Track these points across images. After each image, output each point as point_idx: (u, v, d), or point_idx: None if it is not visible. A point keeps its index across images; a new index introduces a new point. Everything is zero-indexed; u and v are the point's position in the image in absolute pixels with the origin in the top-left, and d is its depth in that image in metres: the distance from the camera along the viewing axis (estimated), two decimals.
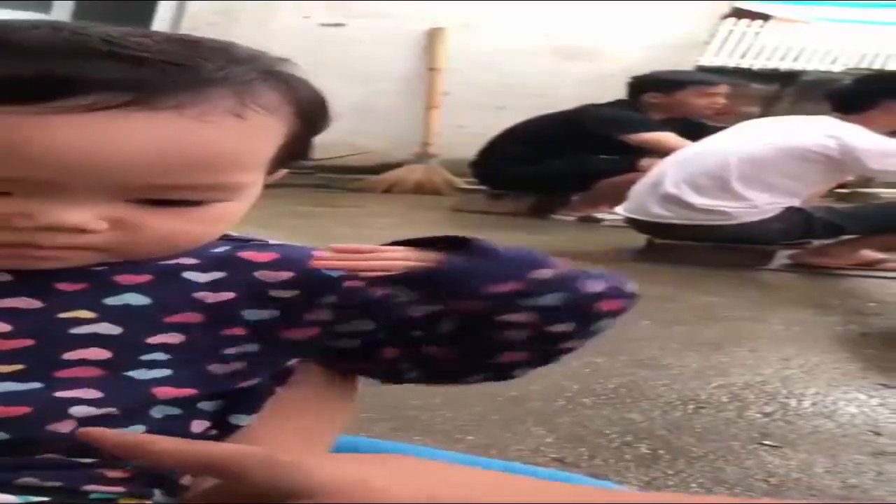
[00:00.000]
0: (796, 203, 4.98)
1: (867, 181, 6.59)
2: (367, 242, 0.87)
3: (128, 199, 0.77)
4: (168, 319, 0.83)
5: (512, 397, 2.89)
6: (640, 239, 5.32)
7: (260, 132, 0.80)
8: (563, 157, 6.38)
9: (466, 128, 7.61)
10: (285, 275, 0.87)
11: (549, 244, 5.47)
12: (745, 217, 4.92)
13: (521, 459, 2.50)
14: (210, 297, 0.85)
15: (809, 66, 9.79)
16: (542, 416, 2.76)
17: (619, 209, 5.48)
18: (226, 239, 0.90)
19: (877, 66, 9.53)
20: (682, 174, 5.05)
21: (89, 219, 0.76)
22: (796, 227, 4.97)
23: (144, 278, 0.83)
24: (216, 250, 0.87)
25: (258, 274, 0.87)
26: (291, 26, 7.61)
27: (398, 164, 7.88)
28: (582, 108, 6.63)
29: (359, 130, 7.95)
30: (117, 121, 0.73)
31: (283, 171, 0.89)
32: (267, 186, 0.89)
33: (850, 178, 5.87)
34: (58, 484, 0.79)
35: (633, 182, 5.39)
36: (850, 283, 4.84)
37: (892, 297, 4.54)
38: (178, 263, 0.85)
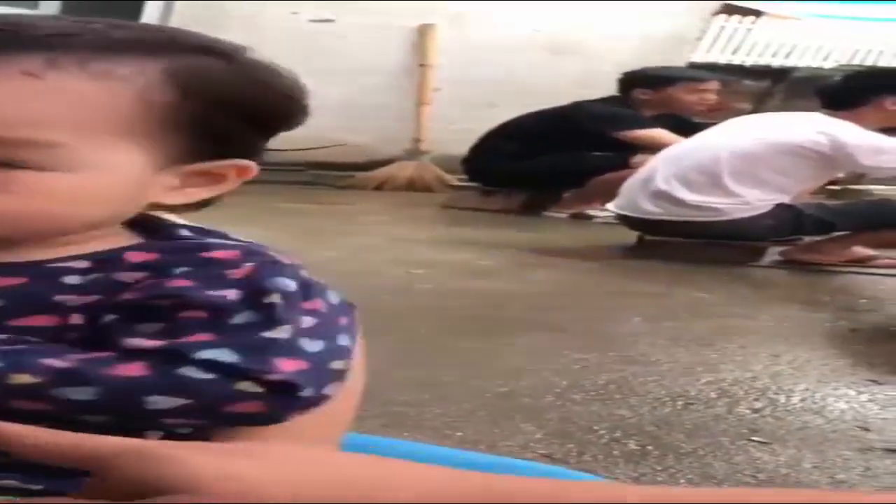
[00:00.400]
0: (787, 199, 4.99)
1: (858, 178, 6.60)
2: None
3: None
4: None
5: (501, 393, 2.89)
6: (631, 235, 5.32)
7: (65, 94, 0.77)
8: (556, 153, 6.38)
9: (457, 124, 7.60)
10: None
11: (540, 241, 5.49)
12: (736, 213, 4.92)
13: (510, 455, 2.50)
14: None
15: (801, 63, 9.79)
16: (530, 412, 2.76)
17: (611, 206, 5.48)
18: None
19: (868, 62, 9.52)
20: (673, 170, 5.05)
21: None
22: (787, 223, 4.98)
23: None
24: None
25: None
26: (280, 22, 7.59)
27: (389, 161, 7.87)
28: (574, 105, 6.62)
29: (348, 126, 7.95)
30: None
31: (226, 162, 0.86)
32: (250, 182, 0.87)
33: (841, 174, 5.88)
34: (40, 487, 0.78)
35: (625, 179, 5.39)
36: (841, 280, 4.85)
37: (883, 293, 4.55)
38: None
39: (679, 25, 8.72)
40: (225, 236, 0.90)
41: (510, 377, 3.04)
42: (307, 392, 0.78)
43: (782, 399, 3.00)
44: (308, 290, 0.83)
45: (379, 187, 7.66)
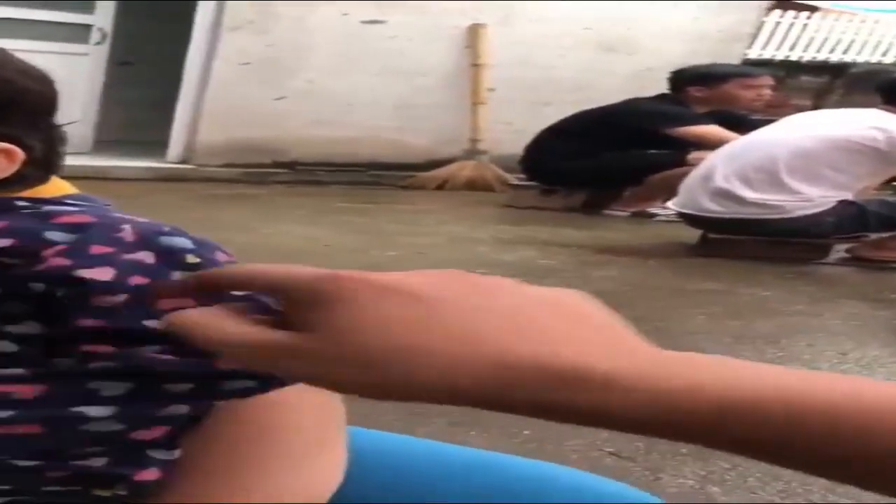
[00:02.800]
0: (848, 196, 4.94)
1: None
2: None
3: None
4: None
5: None
6: (693, 233, 5.29)
7: None
8: (610, 151, 6.36)
9: (513, 123, 7.61)
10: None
11: (601, 240, 5.47)
12: (798, 211, 4.88)
13: (577, 454, 2.50)
14: None
15: (860, 58, 9.68)
16: None
17: (671, 204, 5.45)
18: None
19: None
20: (732, 167, 5.02)
21: None
22: (850, 220, 4.92)
23: None
24: None
25: None
26: (330, 23, 7.65)
27: (448, 161, 7.89)
28: (625, 103, 6.61)
29: (404, 127, 8.00)
30: None
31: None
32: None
33: None
34: (7, 487, 0.83)
35: (683, 176, 5.36)
36: None
37: None
38: None
39: (732, 22, 8.66)
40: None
41: None
42: None
43: None
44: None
45: (440, 187, 7.68)
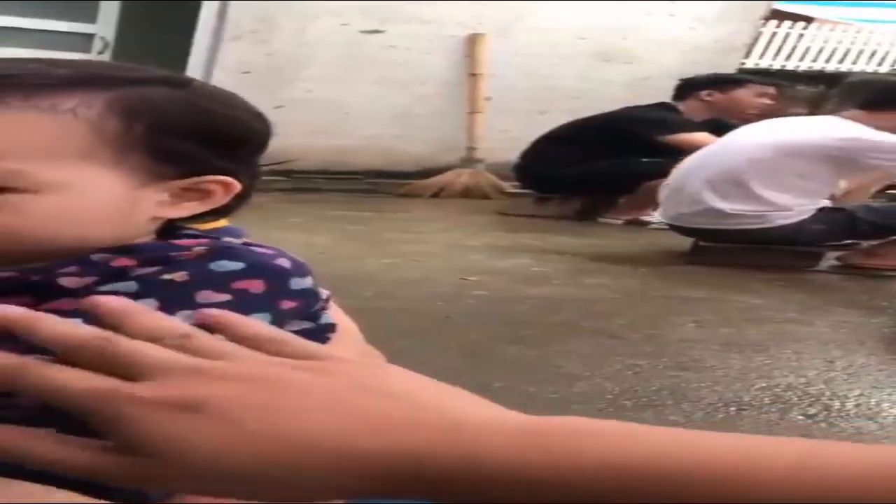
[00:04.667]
0: (825, 203, 4.94)
1: None
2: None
3: None
4: None
5: (553, 399, 2.91)
6: (686, 241, 5.31)
7: (14, 127, 0.85)
8: (605, 159, 6.39)
9: (510, 132, 7.64)
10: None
11: (595, 247, 5.49)
12: (778, 220, 4.87)
13: None
14: None
15: (855, 68, 9.73)
16: None
17: (655, 214, 5.47)
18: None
19: None
20: (703, 178, 5.02)
21: None
22: (840, 227, 4.92)
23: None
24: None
25: None
26: (331, 33, 7.69)
27: (444, 169, 7.92)
28: (621, 110, 6.66)
29: (402, 135, 8.03)
30: None
31: (196, 179, 0.93)
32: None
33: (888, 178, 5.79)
34: None
35: None
36: None
37: None
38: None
39: (727, 32, 8.70)
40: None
41: (563, 383, 3.07)
42: None
43: (836, 405, 2.99)
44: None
45: (435, 195, 7.70)
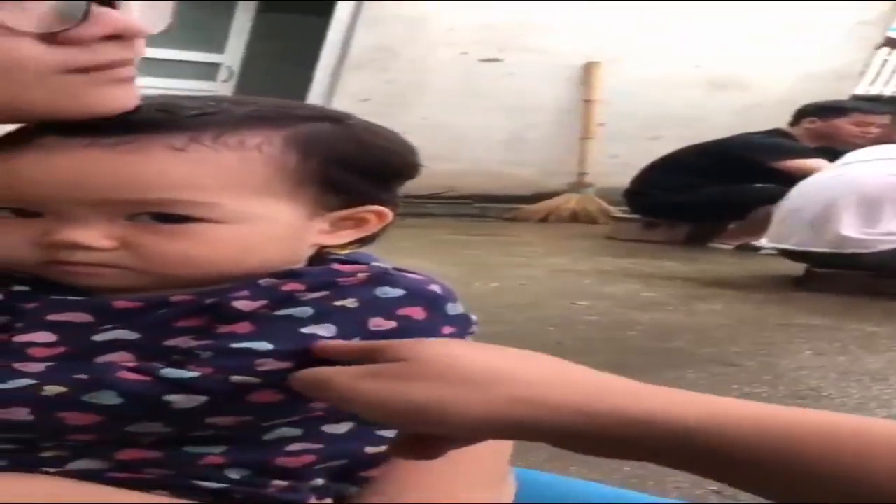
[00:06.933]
0: None
1: None
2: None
3: (126, 218, 0.91)
4: None
5: None
6: (798, 267, 5.24)
7: (206, 163, 0.91)
8: (718, 185, 6.36)
9: (621, 157, 7.64)
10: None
11: (706, 273, 5.45)
12: (880, 245, 4.79)
13: (680, 491, 2.50)
14: None
15: None
16: None
17: (765, 240, 5.41)
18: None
19: None
20: (821, 202, 4.95)
21: (95, 237, 0.90)
22: None
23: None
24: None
25: None
26: (450, 62, 7.79)
27: (554, 193, 7.95)
28: (735, 137, 6.67)
29: (515, 160, 8.07)
30: (92, 153, 0.89)
31: (366, 208, 0.99)
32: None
33: None
34: None
35: None
36: None
37: None
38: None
39: (840, 60, 8.63)
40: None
41: None
42: None
43: None
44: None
45: (544, 219, 7.73)
